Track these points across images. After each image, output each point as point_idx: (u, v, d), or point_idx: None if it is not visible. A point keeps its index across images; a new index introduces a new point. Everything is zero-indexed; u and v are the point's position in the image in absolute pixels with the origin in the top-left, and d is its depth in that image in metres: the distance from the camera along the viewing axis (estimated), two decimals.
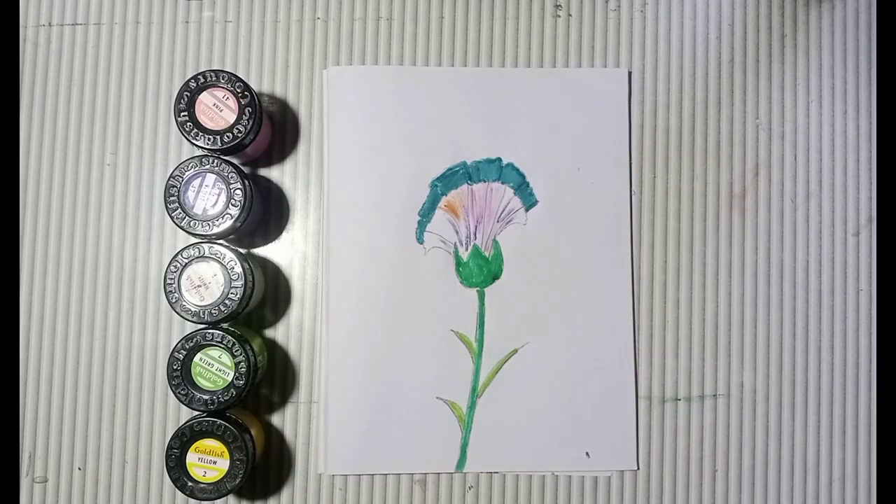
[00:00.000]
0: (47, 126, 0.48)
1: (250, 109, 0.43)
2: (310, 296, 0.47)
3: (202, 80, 0.43)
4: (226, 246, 0.43)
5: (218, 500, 0.44)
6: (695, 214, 0.48)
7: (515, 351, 0.47)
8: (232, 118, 0.43)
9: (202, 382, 0.42)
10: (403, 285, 0.46)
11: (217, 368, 0.42)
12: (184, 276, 0.42)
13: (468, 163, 0.47)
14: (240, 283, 0.42)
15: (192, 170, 0.43)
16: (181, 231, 0.43)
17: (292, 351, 0.47)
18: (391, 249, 0.47)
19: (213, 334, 0.42)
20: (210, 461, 0.42)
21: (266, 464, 0.46)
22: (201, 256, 0.42)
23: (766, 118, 0.48)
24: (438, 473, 0.46)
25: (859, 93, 0.49)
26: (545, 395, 0.46)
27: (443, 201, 0.47)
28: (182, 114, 0.43)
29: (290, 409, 0.47)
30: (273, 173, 0.48)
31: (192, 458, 0.42)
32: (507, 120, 0.47)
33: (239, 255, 0.42)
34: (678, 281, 0.48)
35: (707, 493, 0.47)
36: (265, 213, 0.48)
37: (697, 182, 0.48)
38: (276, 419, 0.47)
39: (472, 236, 0.47)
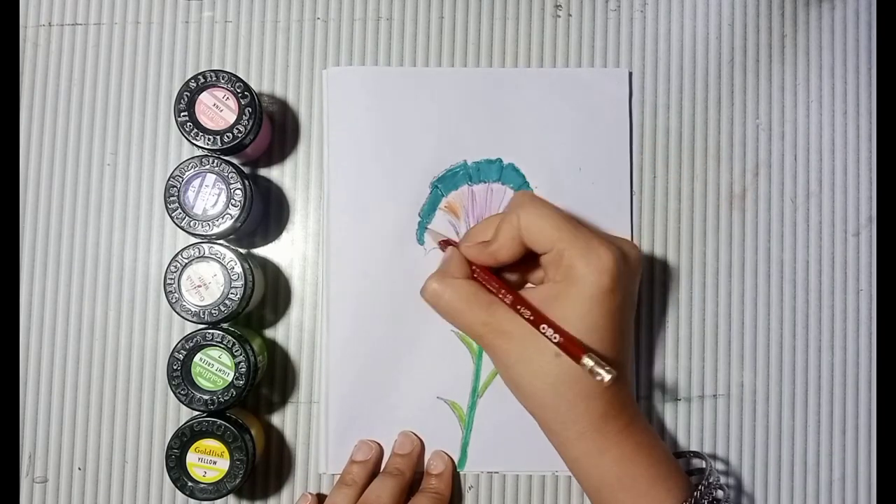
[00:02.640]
0: (47, 126, 0.48)
1: (250, 109, 0.43)
2: (310, 296, 0.47)
3: (202, 80, 0.43)
4: (226, 246, 0.43)
5: (218, 500, 0.44)
6: (695, 214, 0.48)
7: None
8: (232, 118, 0.43)
9: (202, 382, 0.42)
10: (404, 286, 0.46)
11: (217, 368, 0.42)
12: (184, 277, 0.42)
13: (468, 163, 0.47)
14: (240, 283, 0.42)
15: (192, 170, 0.42)
16: (181, 231, 0.43)
17: (292, 351, 0.47)
18: (391, 250, 0.47)
19: (213, 334, 0.42)
20: (210, 461, 0.42)
21: (266, 464, 0.46)
22: (201, 256, 0.42)
23: (766, 118, 0.48)
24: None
25: (859, 93, 0.48)
26: None
27: (443, 202, 0.47)
28: (182, 114, 0.43)
29: (290, 409, 0.47)
30: (273, 173, 0.48)
31: (192, 458, 0.42)
32: (507, 120, 0.47)
33: (239, 255, 0.42)
34: (678, 281, 0.48)
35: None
36: (265, 213, 0.48)
37: (697, 182, 0.48)
38: (276, 419, 0.47)
39: None
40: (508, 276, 0.43)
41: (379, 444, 0.46)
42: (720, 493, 0.40)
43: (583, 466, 0.39)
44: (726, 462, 0.47)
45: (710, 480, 0.39)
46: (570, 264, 0.38)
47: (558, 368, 0.38)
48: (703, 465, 0.42)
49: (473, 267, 0.41)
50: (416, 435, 0.46)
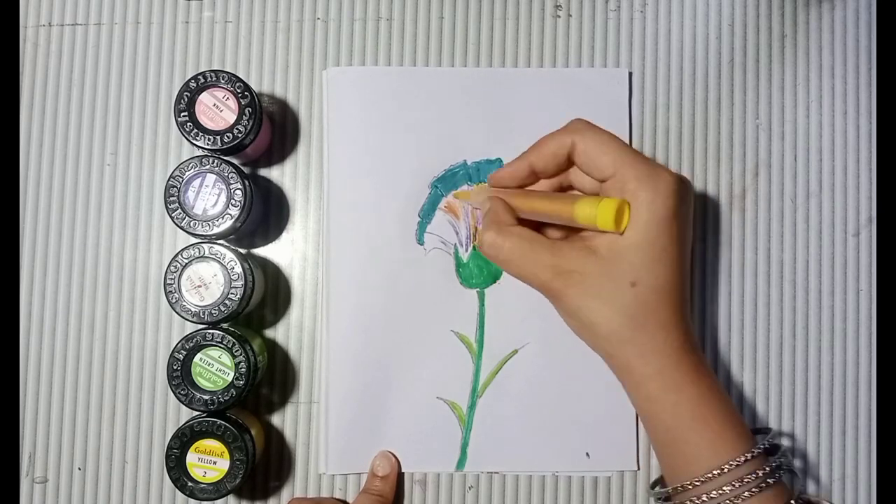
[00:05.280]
0: (47, 126, 0.48)
1: (250, 109, 0.43)
2: (310, 296, 0.47)
3: (202, 81, 0.43)
4: (226, 246, 0.43)
5: (218, 500, 0.44)
6: (695, 214, 0.48)
7: (515, 351, 0.47)
8: (232, 118, 0.43)
9: (202, 382, 0.42)
10: (404, 286, 0.46)
11: (217, 368, 0.42)
12: (184, 277, 0.42)
13: (468, 163, 0.47)
14: (240, 283, 0.42)
15: (192, 170, 0.43)
16: (181, 231, 0.43)
17: (292, 351, 0.47)
18: (391, 250, 0.47)
19: (213, 334, 0.42)
20: (210, 461, 0.42)
21: (266, 464, 0.46)
22: (201, 256, 0.42)
23: (766, 118, 0.48)
24: (438, 473, 0.47)
25: (859, 93, 0.48)
26: (545, 395, 0.46)
27: (443, 202, 0.47)
28: (182, 114, 0.43)
29: (290, 409, 0.47)
30: (273, 173, 0.48)
31: (192, 458, 0.42)
32: (507, 120, 0.47)
33: (239, 255, 0.42)
34: None
35: None
36: (265, 213, 0.48)
37: (697, 182, 0.48)
38: (276, 419, 0.47)
39: (472, 237, 0.47)
40: (551, 231, 0.42)
41: (395, 455, 0.46)
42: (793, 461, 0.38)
43: (657, 405, 0.38)
44: None
45: (782, 453, 0.39)
46: (635, 189, 0.37)
47: (635, 298, 0.37)
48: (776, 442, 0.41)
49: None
50: (393, 455, 0.46)
